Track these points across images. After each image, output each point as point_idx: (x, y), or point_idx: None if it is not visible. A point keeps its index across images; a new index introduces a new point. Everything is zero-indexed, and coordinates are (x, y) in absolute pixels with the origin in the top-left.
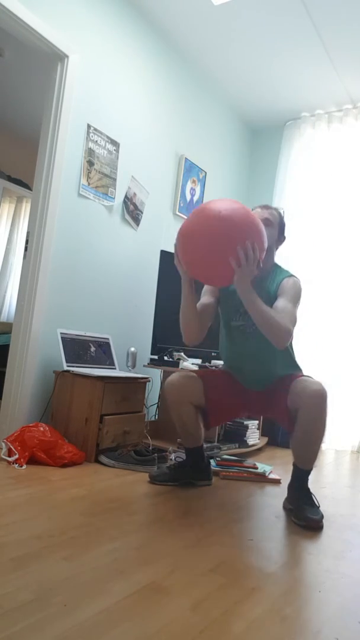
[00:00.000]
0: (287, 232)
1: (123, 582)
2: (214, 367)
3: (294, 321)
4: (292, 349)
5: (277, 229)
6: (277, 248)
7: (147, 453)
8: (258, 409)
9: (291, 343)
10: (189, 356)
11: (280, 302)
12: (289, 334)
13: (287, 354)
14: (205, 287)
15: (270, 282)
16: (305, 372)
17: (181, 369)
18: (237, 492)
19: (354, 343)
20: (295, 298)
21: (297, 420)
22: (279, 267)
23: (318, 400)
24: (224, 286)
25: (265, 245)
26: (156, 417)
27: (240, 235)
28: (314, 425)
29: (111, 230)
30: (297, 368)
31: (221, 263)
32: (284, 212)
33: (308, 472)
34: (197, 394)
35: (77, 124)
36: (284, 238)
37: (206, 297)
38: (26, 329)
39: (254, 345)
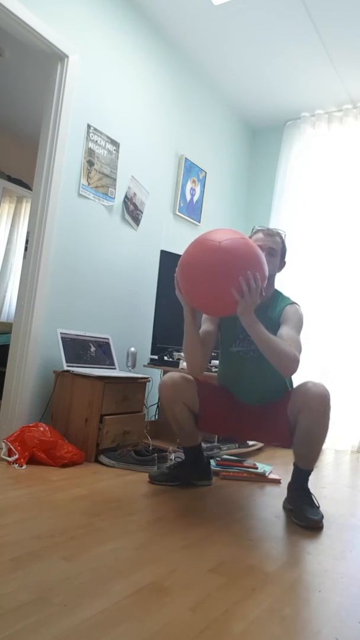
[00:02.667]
0: (287, 233)
1: (123, 582)
2: (213, 367)
3: (300, 349)
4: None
5: (279, 256)
6: (279, 271)
7: (147, 453)
8: (253, 427)
9: None
10: None
11: (285, 330)
12: (297, 362)
13: (284, 380)
14: (205, 316)
15: (272, 309)
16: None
17: (181, 368)
18: (237, 492)
19: (353, 343)
20: (299, 326)
21: (299, 421)
22: (280, 293)
23: (322, 401)
24: (226, 316)
25: (267, 273)
26: (156, 417)
27: (242, 266)
28: (317, 427)
29: (111, 230)
30: (287, 385)
31: (223, 294)
32: (285, 235)
33: (308, 473)
34: (190, 395)
35: (77, 124)
36: (285, 263)
37: (207, 324)
38: (26, 329)
39: (252, 368)
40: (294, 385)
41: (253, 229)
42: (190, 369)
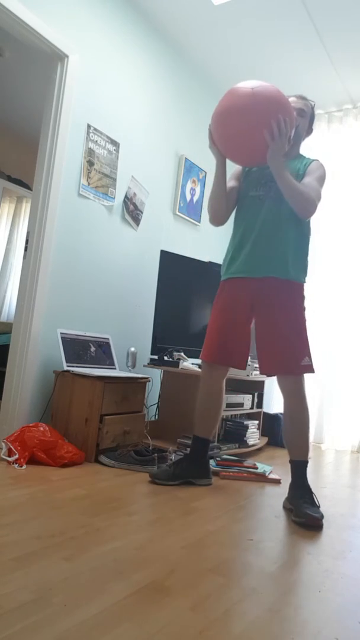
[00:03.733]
0: None
1: (123, 582)
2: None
3: (319, 197)
4: (307, 246)
5: (308, 119)
6: (304, 138)
7: (147, 453)
8: (254, 307)
9: (308, 243)
10: (189, 356)
11: (307, 179)
12: (314, 206)
13: (298, 244)
14: (230, 174)
15: (297, 163)
16: (306, 282)
17: (181, 369)
18: (237, 492)
19: (354, 343)
20: (321, 179)
21: (283, 410)
22: (303, 155)
23: (296, 392)
24: (253, 165)
25: (295, 121)
26: (156, 417)
27: (273, 109)
28: (298, 411)
29: (111, 230)
30: (300, 274)
31: (255, 138)
32: (314, 105)
33: (305, 464)
34: (223, 370)
35: (77, 124)
36: (312, 130)
37: (231, 182)
38: (26, 329)
39: (268, 215)
40: (304, 275)
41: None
42: (213, 218)
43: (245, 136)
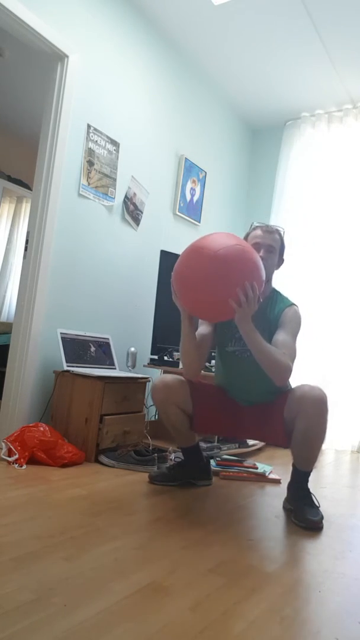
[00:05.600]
0: (288, 233)
1: (123, 582)
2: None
3: (294, 357)
4: None
5: (278, 253)
6: (276, 269)
7: (147, 453)
8: (249, 427)
9: None
10: None
11: (281, 336)
12: (289, 372)
13: None
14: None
15: (270, 309)
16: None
17: (181, 368)
18: (237, 492)
19: (353, 343)
20: (296, 330)
21: (296, 424)
22: (279, 293)
23: (318, 405)
24: (223, 321)
25: (264, 280)
26: (156, 417)
27: (239, 276)
28: (314, 430)
29: (111, 230)
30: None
31: (221, 304)
32: (284, 232)
33: (308, 474)
34: (183, 397)
35: (77, 124)
36: (283, 261)
37: (203, 327)
38: (26, 329)
39: (247, 368)
40: (291, 386)
41: (251, 225)
42: (187, 372)
43: (209, 302)
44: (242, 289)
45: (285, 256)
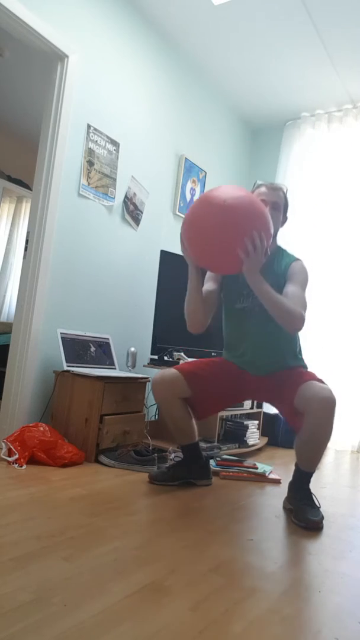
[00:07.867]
0: (287, 233)
1: (123, 582)
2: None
3: (305, 306)
4: (298, 338)
5: (282, 210)
6: (281, 227)
7: (147, 453)
8: (258, 394)
9: (299, 335)
10: (189, 356)
11: (290, 288)
12: (302, 320)
13: (291, 341)
14: (208, 274)
15: (277, 264)
16: (308, 368)
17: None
18: (237, 492)
19: (354, 343)
20: (304, 282)
21: (304, 424)
22: (284, 250)
23: (327, 407)
24: (231, 274)
25: (272, 232)
26: (156, 417)
27: (247, 225)
28: (321, 431)
29: (111, 230)
30: (299, 360)
31: (229, 254)
32: (287, 190)
33: (310, 474)
34: (181, 386)
35: (77, 124)
36: (287, 218)
37: (209, 284)
38: (26, 329)
39: (256, 326)
40: (305, 363)
41: (255, 184)
42: (191, 325)
43: (218, 253)
44: (250, 238)
45: (287, 232)
